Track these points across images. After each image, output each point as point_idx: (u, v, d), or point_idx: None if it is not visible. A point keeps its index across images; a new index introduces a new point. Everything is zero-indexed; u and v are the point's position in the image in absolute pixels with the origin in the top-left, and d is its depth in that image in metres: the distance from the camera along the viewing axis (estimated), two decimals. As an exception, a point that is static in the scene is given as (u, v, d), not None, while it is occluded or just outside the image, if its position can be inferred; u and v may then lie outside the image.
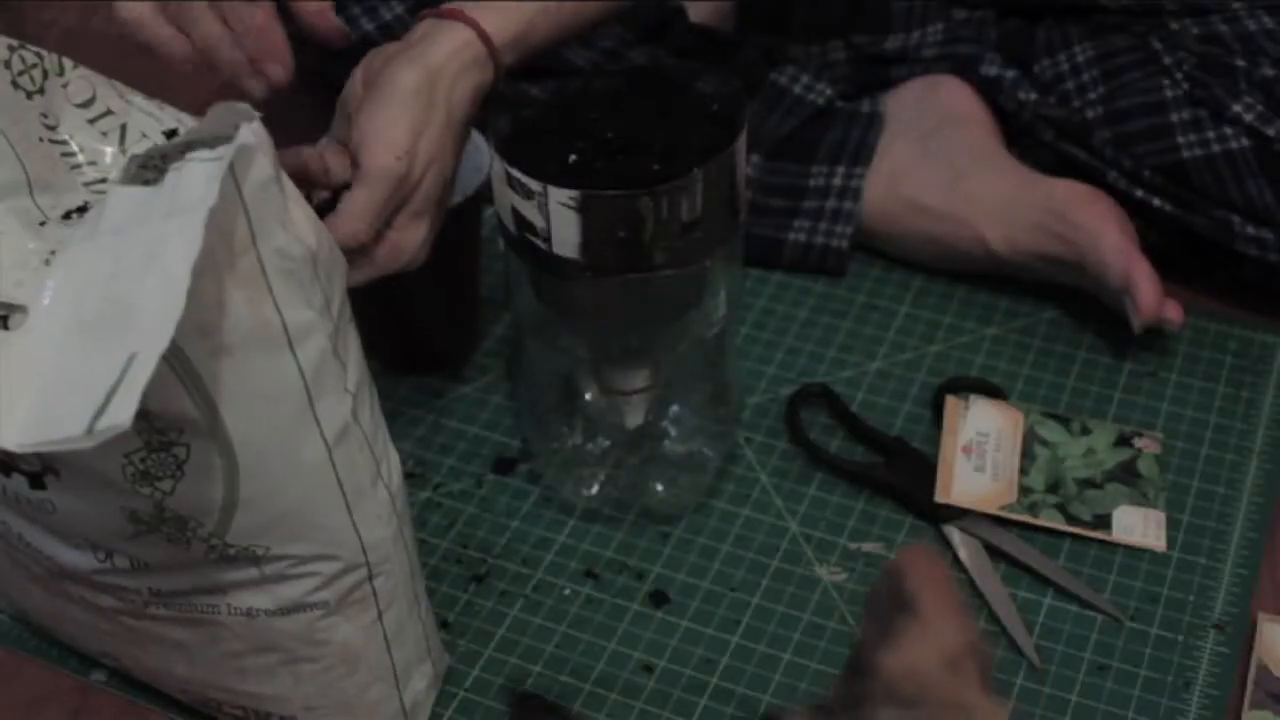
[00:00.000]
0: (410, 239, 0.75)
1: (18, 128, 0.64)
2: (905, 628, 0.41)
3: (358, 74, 0.77)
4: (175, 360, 0.57)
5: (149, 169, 0.62)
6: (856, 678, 0.41)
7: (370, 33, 1.05)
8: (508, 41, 0.77)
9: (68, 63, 0.67)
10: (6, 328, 0.59)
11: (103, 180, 0.64)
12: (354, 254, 0.72)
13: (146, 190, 0.58)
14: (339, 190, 0.74)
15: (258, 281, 0.58)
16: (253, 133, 0.57)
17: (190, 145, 0.62)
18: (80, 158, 0.67)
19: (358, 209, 0.72)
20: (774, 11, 1.10)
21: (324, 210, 0.72)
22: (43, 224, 0.63)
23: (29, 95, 0.65)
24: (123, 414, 0.51)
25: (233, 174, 0.56)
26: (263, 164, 0.58)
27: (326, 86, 1.10)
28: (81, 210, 0.64)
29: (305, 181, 0.72)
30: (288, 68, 0.76)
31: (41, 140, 0.65)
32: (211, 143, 0.61)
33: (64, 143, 0.66)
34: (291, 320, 0.60)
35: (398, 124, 0.73)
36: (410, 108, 0.73)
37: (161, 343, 0.52)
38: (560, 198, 0.72)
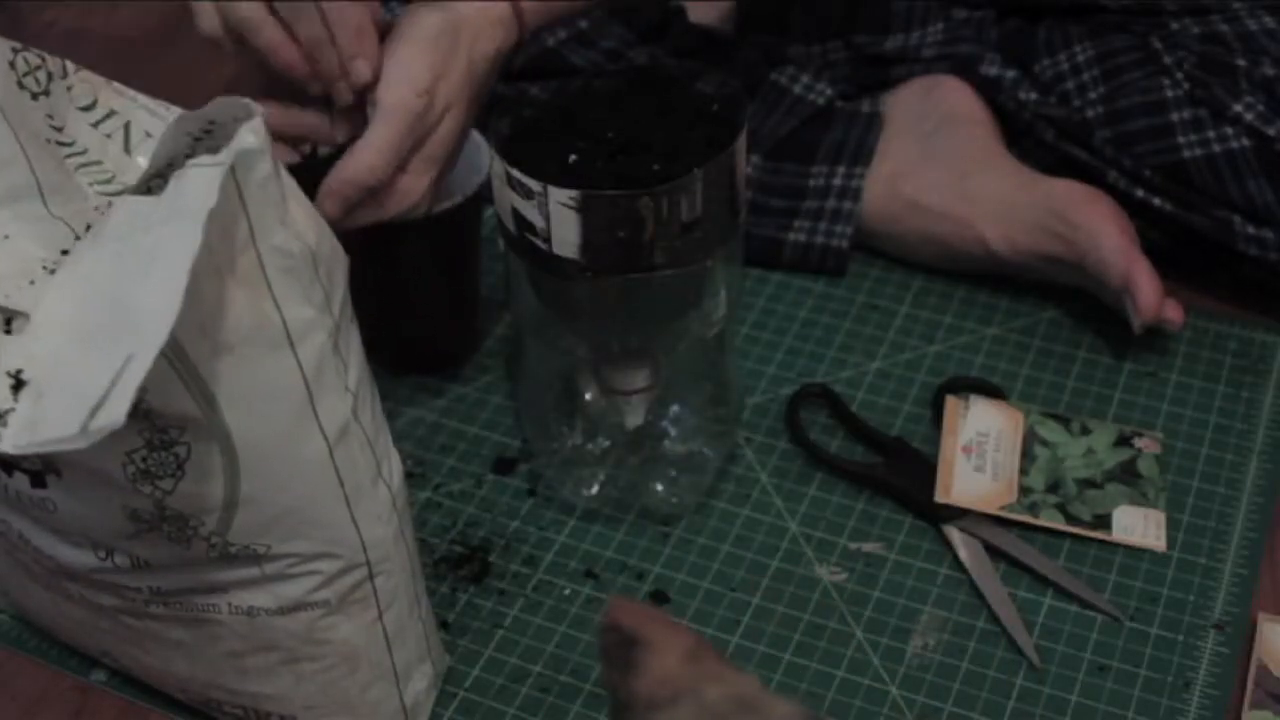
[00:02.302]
0: (419, 184, 0.76)
1: (26, 128, 0.64)
2: (639, 656, 0.45)
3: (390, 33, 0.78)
4: (176, 359, 0.57)
5: (160, 176, 0.62)
6: (623, 714, 0.46)
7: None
8: (533, 4, 0.78)
9: (70, 65, 0.67)
10: (9, 332, 0.59)
11: (108, 180, 0.65)
12: (364, 195, 0.73)
13: (149, 199, 0.59)
14: (343, 147, 0.75)
15: (257, 279, 0.59)
16: (253, 131, 0.57)
17: (193, 151, 0.63)
18: (86, 158, 0.67)
19: (376, 143, 0.73)
20: (774, 11, 1.10)
21: (332, 160, 0.74)
22: (51, 229, 0.63)
23: (34, 96, 0.65)
24: (116, 413, 0.51)
25: (233, 175, 0.56)
26: (263, 163, 0.58)
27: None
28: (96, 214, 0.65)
29: (306, 137, 0.74)
30: (373, 68, 0.74)
31: (49, 141, 0.65)
32: (213, 146, 0.61)
33: (70, 144, 0.66)
34: (291, 318, 0.60)
35: (418, 62, 0.74)
36: (432, 49, 0.74)
37: (157, 343, 0.52)
38: (560, 198, 0.72)
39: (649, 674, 0.44)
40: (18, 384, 0.57)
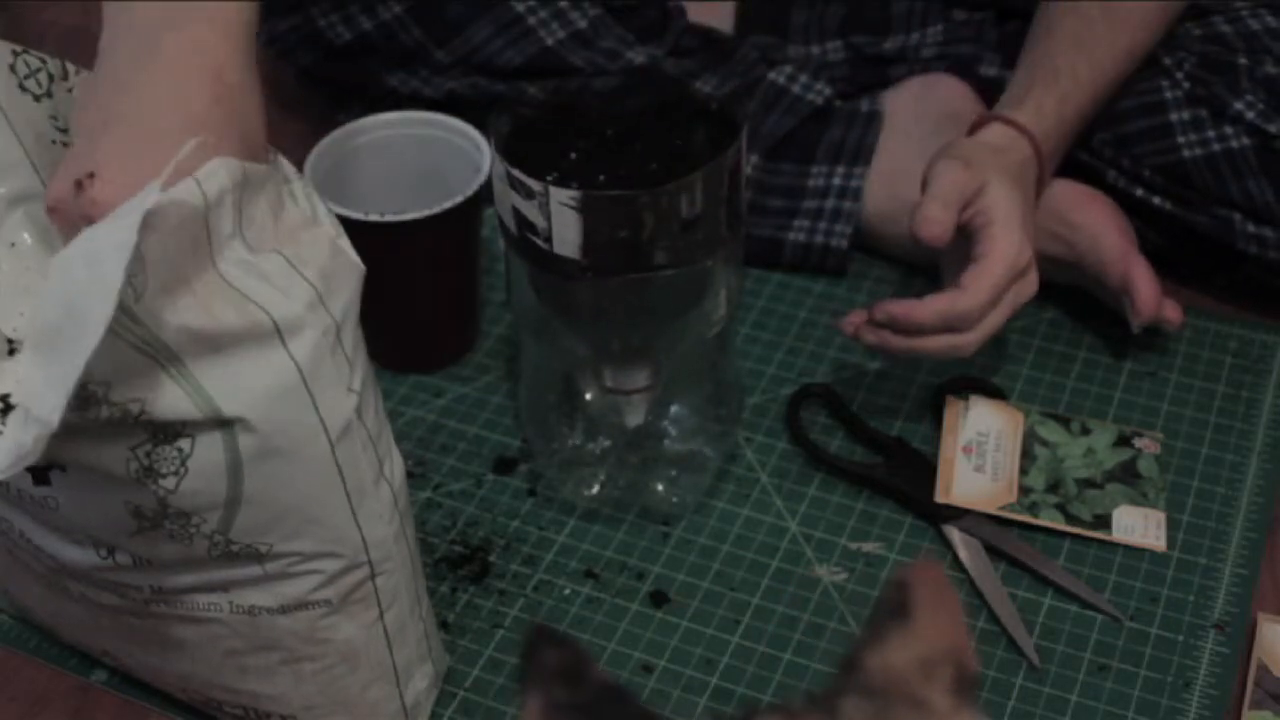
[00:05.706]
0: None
1: (30, 131, 0.64)
2: (896, 632, 0.42)
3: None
4: (173, 367, 0.57)
5: None
6: (843, 674, 0.43)
7: (369, 32, 1.05)
8: (1049, 149, 0.91)
9: (70, 66, 0.67)
10: (10, 354, 0.60)
11: None
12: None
13: None
14: None
15: (233, 286, 0.59)
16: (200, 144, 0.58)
17: None
18: None
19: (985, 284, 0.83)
20: (774, 11, 1.10)
21: None
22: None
23: (36, 98, 0.65)
24: (47, 421, 0.52)
25: (198, 184, 0.56)
26: (220, 176, 0.58)
27: (328, 84, 1.11)
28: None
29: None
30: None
31: (54, 142, 0.65)
32: None
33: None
34: (278, 316, 0.60)
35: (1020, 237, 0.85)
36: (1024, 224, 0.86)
37: (90, 345, 0.52)
38: (561, 198, 0.72)
39: (882, 657, 0.41)
40: (6, 408, 0.57)
